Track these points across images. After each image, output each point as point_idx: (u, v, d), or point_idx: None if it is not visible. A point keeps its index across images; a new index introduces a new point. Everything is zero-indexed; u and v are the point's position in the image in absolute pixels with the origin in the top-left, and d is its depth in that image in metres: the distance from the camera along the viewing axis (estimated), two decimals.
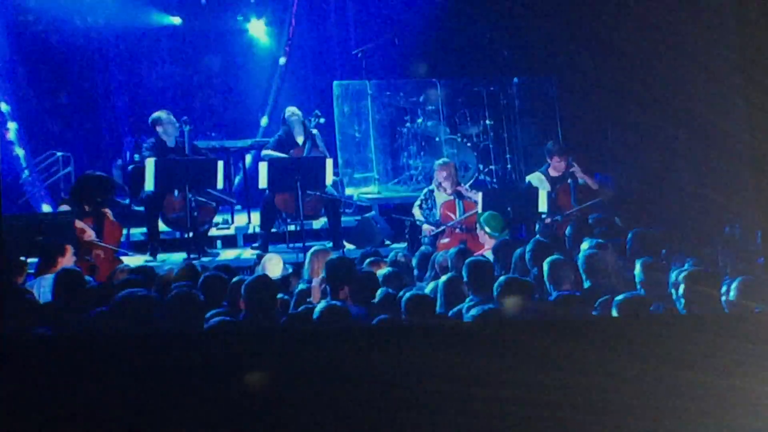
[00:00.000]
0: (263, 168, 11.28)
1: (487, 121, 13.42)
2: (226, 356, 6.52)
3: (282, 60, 15.02)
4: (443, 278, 7.88)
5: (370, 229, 11.79)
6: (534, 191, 11.12)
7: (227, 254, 11.69)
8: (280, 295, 7.76)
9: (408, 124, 13.48)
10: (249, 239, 12.25)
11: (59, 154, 13.48)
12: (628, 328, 7.41)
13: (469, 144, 13.30)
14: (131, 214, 11.97)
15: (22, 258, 9.13)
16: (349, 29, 14.92)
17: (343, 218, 12.10)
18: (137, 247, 11.57)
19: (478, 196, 10.94)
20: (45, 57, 14.59)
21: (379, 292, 7.55)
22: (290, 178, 11.21)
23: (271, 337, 6.89)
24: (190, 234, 11.14)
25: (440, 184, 11.34)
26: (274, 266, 8.89)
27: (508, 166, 13.44)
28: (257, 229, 11.94)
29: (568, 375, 6.93)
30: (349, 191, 13.12)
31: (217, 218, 12.22)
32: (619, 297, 7.19)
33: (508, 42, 13.39)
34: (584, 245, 8.68)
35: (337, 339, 6.96)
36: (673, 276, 7.91)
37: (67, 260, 9.46)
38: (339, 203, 11.74)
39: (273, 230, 11.71)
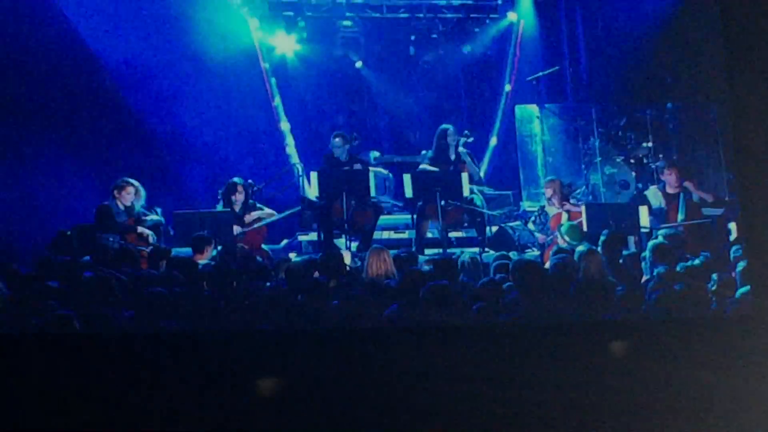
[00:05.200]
0: (408, 180, 12.17)
1: (649, 144, 13.39)
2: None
3: (507, 87, 15.72)
4: None
5: (506, 237, 12.33)
6: (634, 207, 11.18)
7: None
8: None
9: (574, 145, 13.76)
10: (429, 244, 13.11)
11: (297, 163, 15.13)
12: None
13: (633, 163, 13.36)
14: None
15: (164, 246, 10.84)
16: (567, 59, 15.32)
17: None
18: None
19: (582, 209, 11.21)
20: (323, 82, 16.25)
21: None
22: (431, 190, 12.04)
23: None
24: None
25: (549, 199, 11.73)
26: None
27: None
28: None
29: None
30: (526, 204, 13.68)
31: (398, 225, 13.28)
32: None
33: (672, 68, 13.27)
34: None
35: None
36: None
37: (209, 251, 11.05)
38: (479, 213, 12.35)
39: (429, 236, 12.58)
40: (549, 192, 11.80)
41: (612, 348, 7.18)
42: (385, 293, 8.06)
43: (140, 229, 11.56)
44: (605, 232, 9.34)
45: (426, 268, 9.19)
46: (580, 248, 8.77)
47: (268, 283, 8.63)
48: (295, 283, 8.12)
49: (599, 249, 9.06)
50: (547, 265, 9.13)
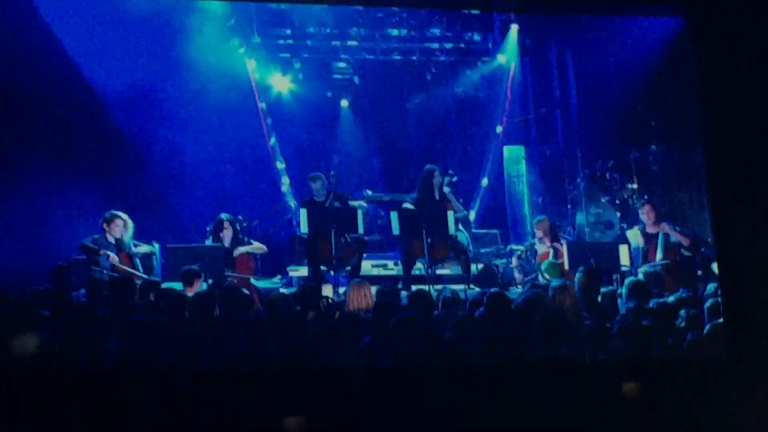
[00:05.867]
0: (395, 217, 12.39)
1: (634, 185, 13.63)
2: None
3: (498, 129, 16.02)
4: None
5: (491, 274, 12.55)
6: (615, 245, 11.37)
7: None
8: None
9: (560, 185, 14.02)
10: (415, 281, 13.34)
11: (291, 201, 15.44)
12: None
13: (618, 204, 13.59)
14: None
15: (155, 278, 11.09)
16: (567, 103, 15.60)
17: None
18: None
19: (563, 248, 11.42)
20: (318, 122, 16.61)
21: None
22: (417, 227, 12.25)
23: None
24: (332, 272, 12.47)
25: (540, 238, 11.96)
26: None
27: None
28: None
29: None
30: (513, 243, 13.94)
31: (388, 262, 13.53)
32: None
33: (655, 112, 13.55)
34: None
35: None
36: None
37: (199, 283, 11.29)
38: (465, 250, 12.56)
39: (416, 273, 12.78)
40: (539, 232, 12.02)
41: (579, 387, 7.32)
42: (360, 325, 8.26)
43: (106, 252, 11.77)
44: (581, 268, 9.52)
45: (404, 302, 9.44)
46: (554, 283, 8.96)
47: (252, 314, 8.88)
48: (274, 314, 8.33)
49: (576, 285, 9.24)
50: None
